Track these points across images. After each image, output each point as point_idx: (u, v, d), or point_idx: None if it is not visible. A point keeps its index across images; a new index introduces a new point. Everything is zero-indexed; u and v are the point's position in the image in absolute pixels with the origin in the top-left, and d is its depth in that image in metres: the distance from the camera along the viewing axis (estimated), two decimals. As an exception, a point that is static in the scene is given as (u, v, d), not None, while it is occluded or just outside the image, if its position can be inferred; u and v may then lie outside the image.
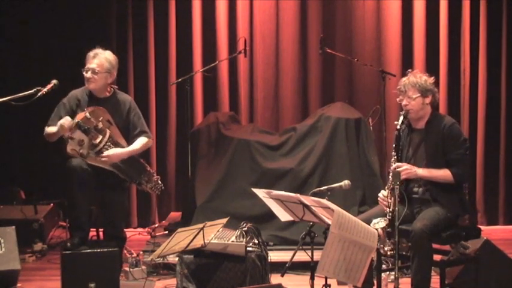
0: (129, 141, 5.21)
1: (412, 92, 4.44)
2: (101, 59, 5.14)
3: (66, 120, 4.99)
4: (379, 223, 4.26)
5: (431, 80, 4.52)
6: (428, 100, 4.46)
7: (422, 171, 4.38)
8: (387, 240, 4.24)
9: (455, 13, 7.02)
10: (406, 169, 4.35)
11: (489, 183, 7.07)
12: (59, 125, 5.00)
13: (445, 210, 4.33)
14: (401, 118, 4.46)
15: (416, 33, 7.05)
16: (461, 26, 7.02)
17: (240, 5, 7.13)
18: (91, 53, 5.17)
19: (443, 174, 4.37)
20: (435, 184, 4.40)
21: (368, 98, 7.10)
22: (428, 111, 4.50)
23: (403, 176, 4.32)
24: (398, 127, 4.44)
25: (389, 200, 4.32)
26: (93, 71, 5.11)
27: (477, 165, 6.98)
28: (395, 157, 4.42)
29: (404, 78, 4.53)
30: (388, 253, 4.23)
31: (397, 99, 4.54)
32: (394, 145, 4.45)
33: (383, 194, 4.43)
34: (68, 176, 4.98)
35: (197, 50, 7.11)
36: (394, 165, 4.38)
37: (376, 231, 3.81)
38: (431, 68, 6.86)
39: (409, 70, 4.61)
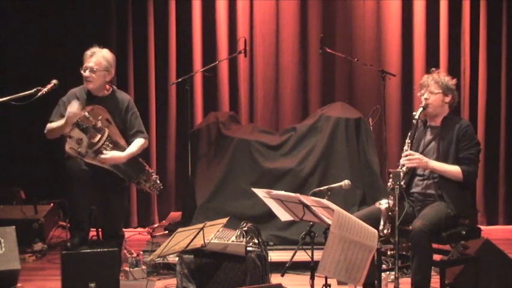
0: (126, 140, 5.21)
1: (435, 87, 4.52)
2: (98, 57, 5.13)
3: (75, 103, 4.99)
4: (383, 202, 4.29)
5: (454, 81, 4.60)
6: (448, 99, 4.53)
7: (433, 164, 4.41)
8: (387, 223, 4.23)
9: (455, 13, 7.02)
10: (417, 158, 4.39)
11: (489, 183, 7.07)
12: (68, 112, 4.95)
13: (447, 208, 4.33)
14: (420, 109, 4.52)
15: (416, 33, 7.05)
16: (461, 26, 7.02)
17: (240, 5, 7.13)
18: (88, 52, 5.16)
19: (454, 170, 4.39)
20: (445, 178, 4.41)
21: (368, 98, 7.11)
22: (446, 110, 4.56)
23: (413, 164, 4.39)
24: (416, 117, 4.48)
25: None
26: (91, 70, 5.10)
27: (477, 165, 6.98)
28: (409, 144, 4.46)
29: (427, 75, 4.63)
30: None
31: (418, 94, 4.62)
32: (409, 133, 4.47)
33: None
34: (67, 176, 4.98)
35: (197, 50, 7.11)
36: (406, 152, 4.41)
37: (376, 231, 3.80)
38: (432, 68, 6.83)
39: (433, 69, 4.70)
